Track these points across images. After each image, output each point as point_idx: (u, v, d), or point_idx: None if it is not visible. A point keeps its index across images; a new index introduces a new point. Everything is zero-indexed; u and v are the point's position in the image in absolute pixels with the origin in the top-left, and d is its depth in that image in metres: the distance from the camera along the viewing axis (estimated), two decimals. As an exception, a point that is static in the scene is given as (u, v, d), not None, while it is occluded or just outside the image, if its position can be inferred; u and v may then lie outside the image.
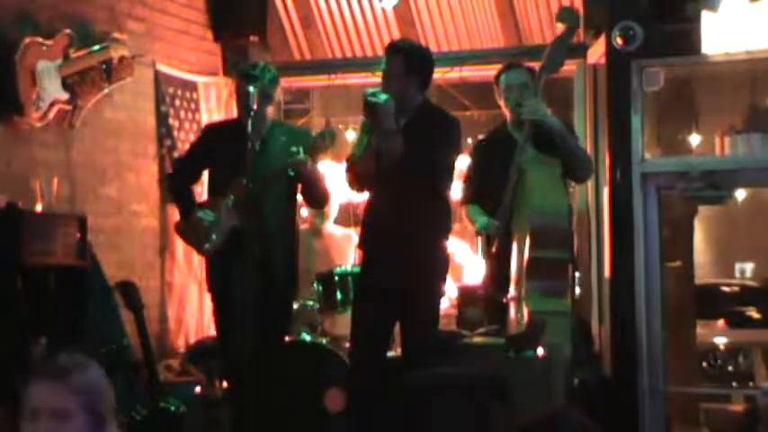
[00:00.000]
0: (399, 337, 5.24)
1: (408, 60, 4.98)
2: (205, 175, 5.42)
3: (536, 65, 5.39)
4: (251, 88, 5.05)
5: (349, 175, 5.09)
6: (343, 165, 5.21)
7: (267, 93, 5.16)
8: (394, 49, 5.05)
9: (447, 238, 5.13)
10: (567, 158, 5.14)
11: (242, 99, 5.13)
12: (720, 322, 9.53)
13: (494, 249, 5.21)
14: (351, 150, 5.23)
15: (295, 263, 5.34)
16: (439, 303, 5.14)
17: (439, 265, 5.06)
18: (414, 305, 4.96)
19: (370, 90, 4.91)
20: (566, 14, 5.34)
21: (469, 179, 5.68)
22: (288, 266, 5.23)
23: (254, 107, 5.05)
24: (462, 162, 5.59)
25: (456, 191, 5.61)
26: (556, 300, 4.80)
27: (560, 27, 5.26)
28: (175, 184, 5.54)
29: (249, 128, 5.04)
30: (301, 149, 4.97)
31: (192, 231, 5.19)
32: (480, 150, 5.77)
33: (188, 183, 5.40)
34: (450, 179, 5.12)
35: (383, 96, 4.83)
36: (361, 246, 5.24)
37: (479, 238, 5.52)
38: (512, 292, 4.99)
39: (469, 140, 8.30)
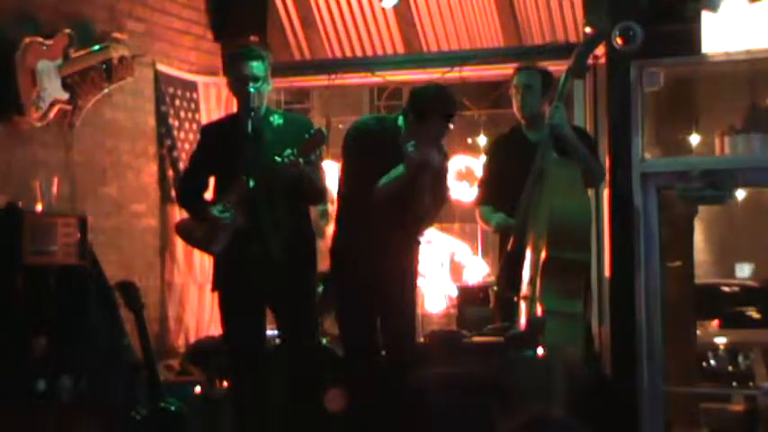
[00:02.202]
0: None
1: None
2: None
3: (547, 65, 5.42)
4: (251, 88, 5.05)
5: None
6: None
7: (266, 78, 5.13)
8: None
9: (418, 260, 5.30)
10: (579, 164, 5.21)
11: (242, 100, 5.10)
12: (715, 323, 9.52)
13: (509, 247, 5.21)
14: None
15: (306, 259, 5.22)
16: (414, 308, 5.30)
17: (413, 277, 5.24)
18: (392, 312, 5.09)
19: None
20: (596, 19, 5.35)
21: (484, 180, 5.70)
22: (294, 263, 5.10)
23: (255, 106, 5.05)
24: (478, 162, 5.60)
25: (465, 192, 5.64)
26: (569, 301, 4.78)
27: (589, 30, 5.28)
28: (185, 197, 5.38)
29: (249, 129, 5.03)
30: (296, 150, 4.85)
31: (204, 230, 5.09)
32: (496, 151, 5.78)
33: (198, 192, 5.28)
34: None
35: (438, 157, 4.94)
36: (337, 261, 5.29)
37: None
38: (524, 290, 4.98)
39: (469, 140, 8.33)
